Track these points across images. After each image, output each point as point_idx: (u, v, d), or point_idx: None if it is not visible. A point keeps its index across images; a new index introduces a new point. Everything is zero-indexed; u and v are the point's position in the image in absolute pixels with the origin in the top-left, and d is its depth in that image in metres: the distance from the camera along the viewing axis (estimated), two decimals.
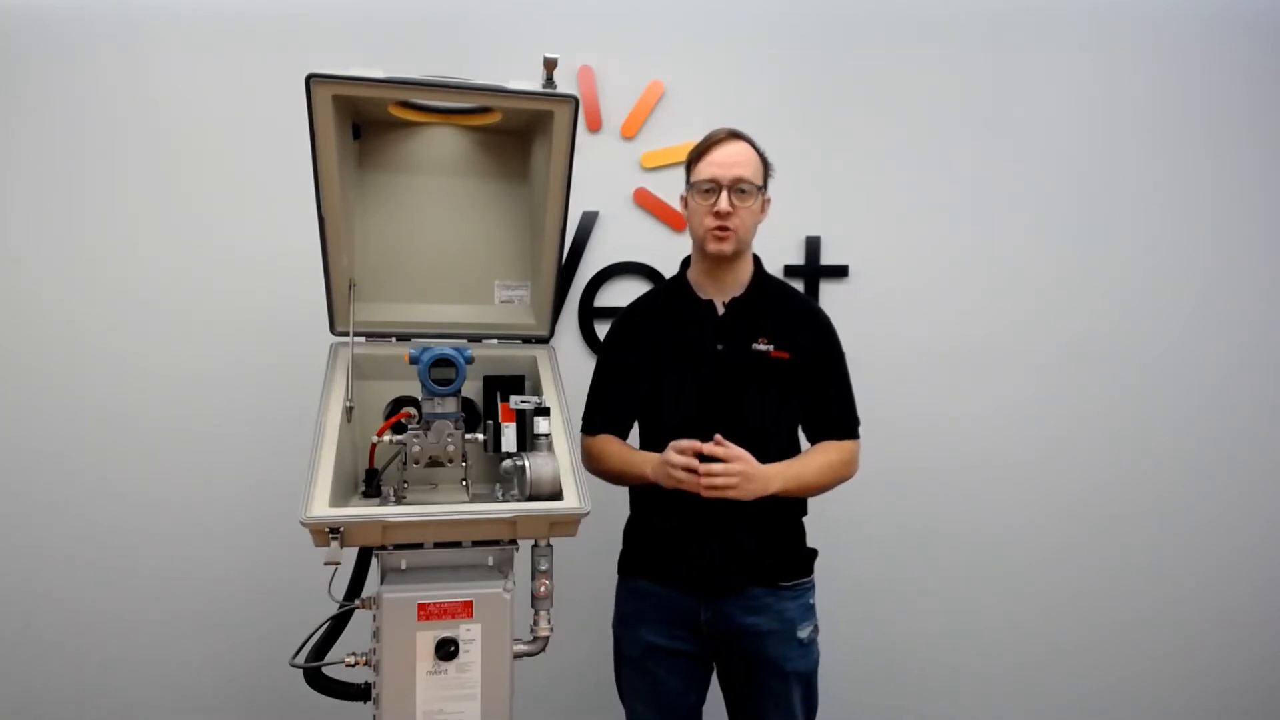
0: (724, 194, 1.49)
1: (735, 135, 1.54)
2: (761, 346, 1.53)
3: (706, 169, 1.52)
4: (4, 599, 2.02)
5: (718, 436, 1.44)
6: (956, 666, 2.29)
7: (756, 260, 1.63)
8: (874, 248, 2.18)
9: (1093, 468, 2.27)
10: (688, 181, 1.58)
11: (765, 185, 1.56)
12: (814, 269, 2.17)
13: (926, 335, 2.21)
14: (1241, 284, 2.27)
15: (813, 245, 2.16)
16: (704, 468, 1.41)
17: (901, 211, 2.19)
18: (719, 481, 1.41)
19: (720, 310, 1.58)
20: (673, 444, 1.46)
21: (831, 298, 2.16)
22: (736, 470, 1.41)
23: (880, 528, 2.22)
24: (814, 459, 1.55)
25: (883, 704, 2.27)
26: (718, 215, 1.49)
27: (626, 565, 1.66)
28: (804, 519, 1.63)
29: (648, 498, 1.60)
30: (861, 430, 1.62)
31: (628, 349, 1.64)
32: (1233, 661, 2.33)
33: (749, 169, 1.51)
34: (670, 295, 1.66)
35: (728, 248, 1.52)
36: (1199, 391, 2.28)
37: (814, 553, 1.63)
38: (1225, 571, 2.31)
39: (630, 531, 1.68)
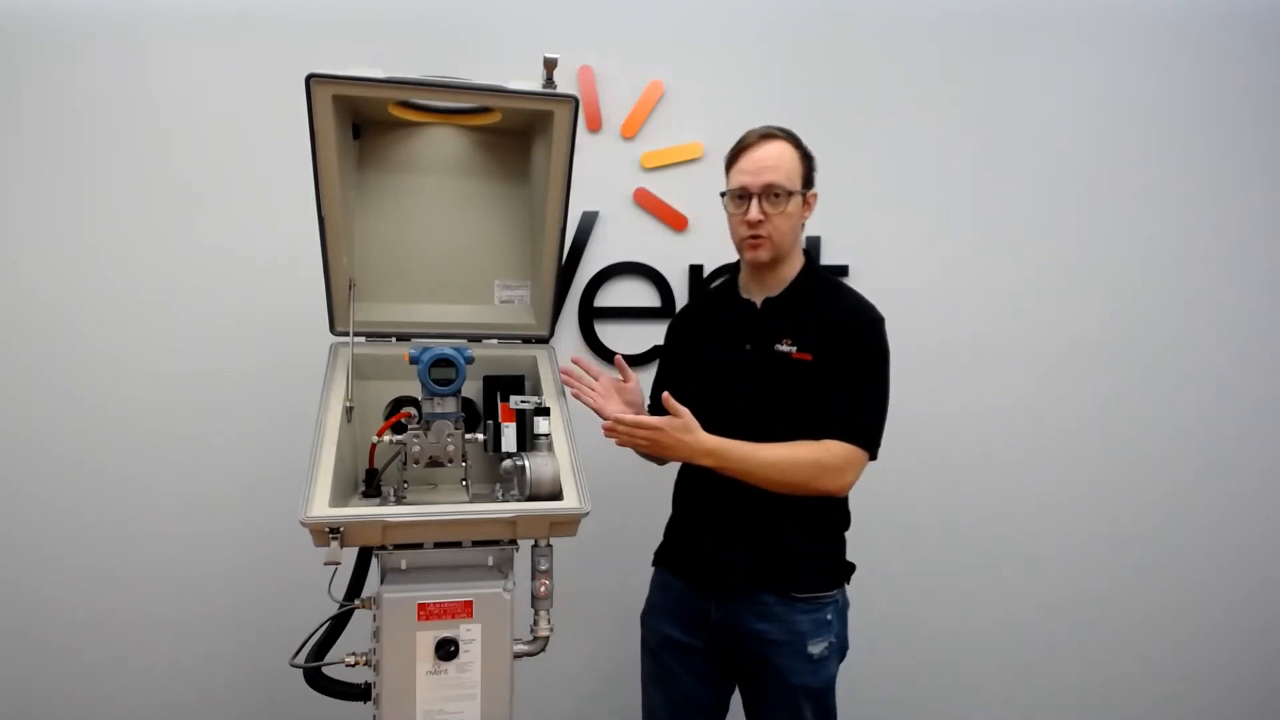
0: (754, 202, 1.47)
1: (768, 136, 1.49)
2: (784, 347, 1.50)
3: (737, 176, 1.50)
4: (4, 599, 2.02)
5: (665, 394, 1.42)
6: (952, 663, 2.29)
7: (808, 257, 1.59)
8: (874, 248, 2.18)
9: (1092, 467, 2.27)
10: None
11: (808, 182, 1.52)
12: None
13: (926, 335, 2.20)
14: (1241, 284, 2.27)
15: (813, 245, 2.16)
16: (630, 419, 1.40)
17: (901, 211, 2.19)
18: (622, 430, 1.40)
19: (756, 310, 1.57)
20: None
21: None
22: (645, 434, 1.40)
23: (878, 527, 2.21)
24: (776, 448, 1.43)
25: (879, 705, 2.27)
26: (750, 224, 1.48)
27: (659, 558, 1.69)
28: (845, 532, 1.59)
29: (684, 496, 1.63)
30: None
31: (671, 345, 1.71)
32: (1233, 661, 2.33)
33: (780, 173, 1.46)
34: (719, 294, 1.69)
35: (763, 255, 1.51)
36: (1199, 391, 2.28)
37: (848, 568, 1.59)
38: (1227, 571, 2.31)
39: (668, 527, 1.70)
